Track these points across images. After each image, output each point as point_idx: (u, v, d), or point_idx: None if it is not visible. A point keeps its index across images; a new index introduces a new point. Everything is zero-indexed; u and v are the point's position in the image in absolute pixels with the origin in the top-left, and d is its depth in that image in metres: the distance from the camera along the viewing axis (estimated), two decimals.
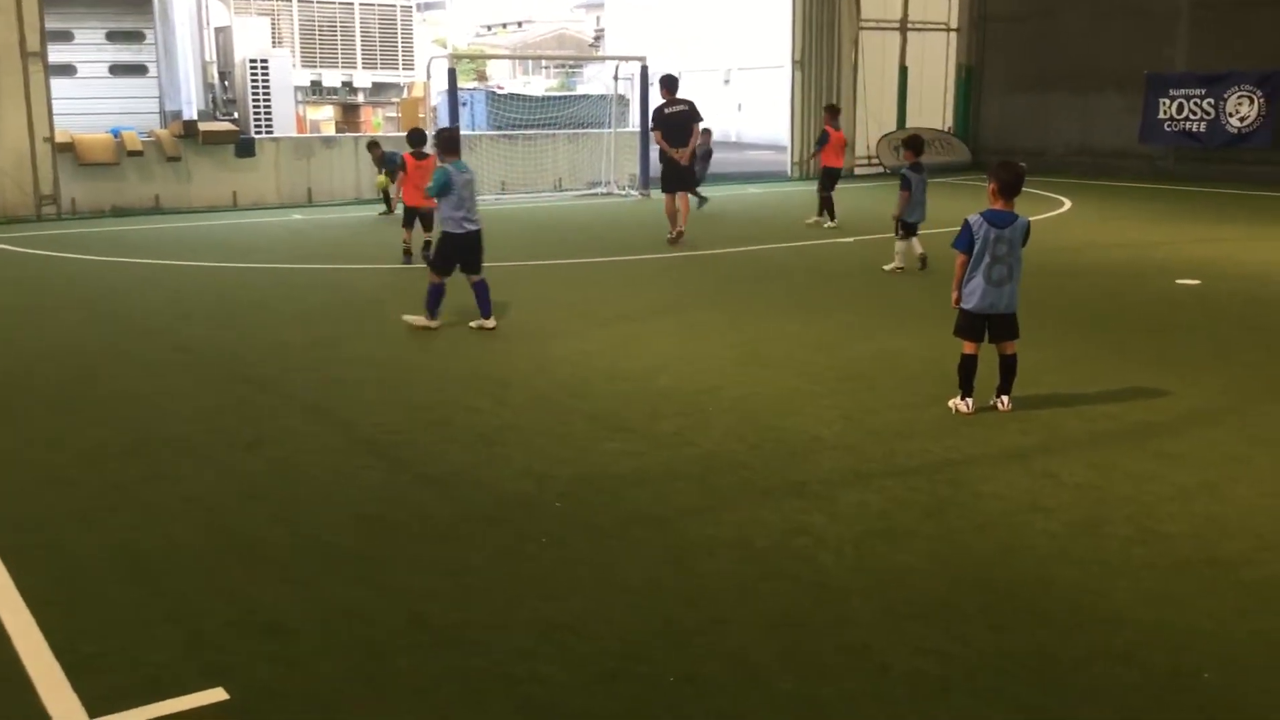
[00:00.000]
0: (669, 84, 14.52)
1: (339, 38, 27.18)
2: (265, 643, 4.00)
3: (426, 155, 12.57)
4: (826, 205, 15.89)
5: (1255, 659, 3.86)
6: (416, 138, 13.02)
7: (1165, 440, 6.23)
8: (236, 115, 21.39)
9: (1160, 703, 3.62)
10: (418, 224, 12.71)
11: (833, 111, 16.92)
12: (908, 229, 11.77)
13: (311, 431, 6.55)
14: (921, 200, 11.72)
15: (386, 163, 16.82)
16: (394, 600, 4.33)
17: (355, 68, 27.46)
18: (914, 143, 12.11)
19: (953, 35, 27.18)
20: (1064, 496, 5.37)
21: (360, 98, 26.95)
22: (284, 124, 21.52)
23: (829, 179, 15.98)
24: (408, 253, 12.84)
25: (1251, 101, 21.95)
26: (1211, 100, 22.54)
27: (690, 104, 14.53)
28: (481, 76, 42.10)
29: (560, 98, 27.76)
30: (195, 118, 19.64)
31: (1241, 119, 22.15)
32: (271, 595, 4.37)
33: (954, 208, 15.11)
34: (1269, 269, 11.37)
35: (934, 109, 27.08)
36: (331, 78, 27.13)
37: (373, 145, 18.10)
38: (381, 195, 17.88)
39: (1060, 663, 3.85)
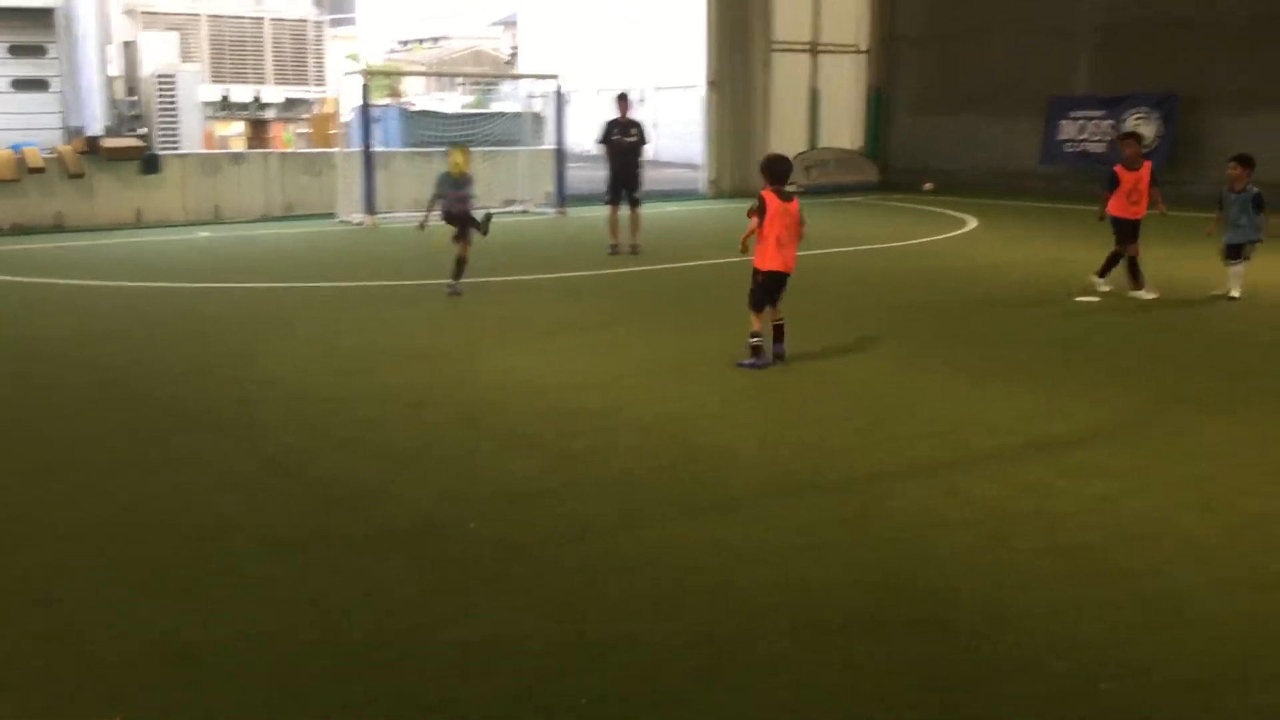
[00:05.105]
0: (623, 100, 15.15)
1: (249, 53, 26.76)
2: (170, 670, 3.90)
3: (790, 196, 8.49)
4: (1130, 267, 11.59)
5: (1156, 669, 3.97)
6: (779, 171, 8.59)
7: (1068, 454, 6.39)
8: (143, 131, 20.93)
9: (1064, 712, 3.70)
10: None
11: (1128, 140, 11.99)
12: (1233, 251, 11.28)
13: (219, 453, 6.41)
14: (1235, 220, 11.18)
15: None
16: (305, 623, 4.25)
17: (266, 83, 27.06)
18: (1247, 161, 11.26)
19: (862, 57, 27.71)
20: (973, 511, 5.48)
21: (271, 113, 26.55)
22: (191, 140, 21.08)
23: (1121, 232, 11.56)
24: (758, 350, 8.45)
25: (1150, 122, 22.71)
26: (1111, 121, 23.28)
27: (641, 129, 15.23)
28: (395, 93, 41.76)
29: (475, 115, 27.66)
30: (99, 134, 19.17)
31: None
32: (177, 622, 4.26)
33: (867, 225, 15.39)
34: (1164, 286, 11.73)
35: (845, 129, 27.56)
36: (241, 93, 26.70)
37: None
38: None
39: (970, 673, 3.92)
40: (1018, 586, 4.62)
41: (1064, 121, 24.08)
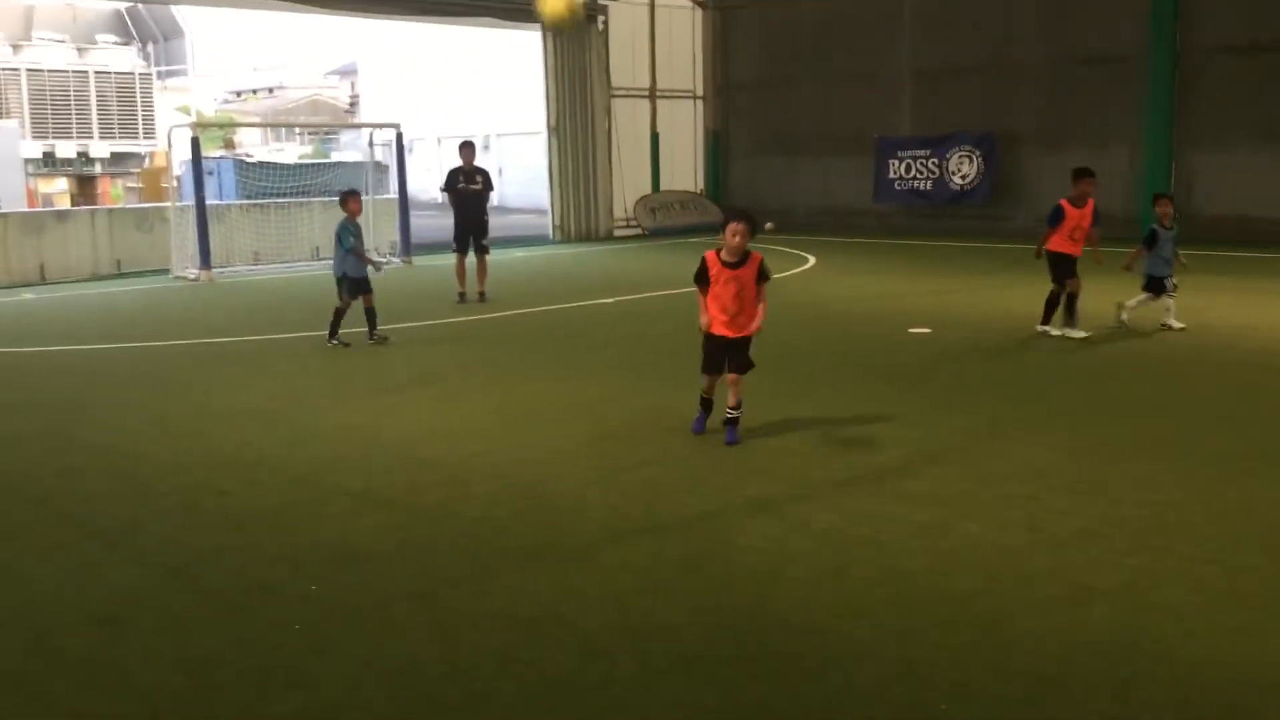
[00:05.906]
0: (467, 149, 15.07)
1: (73, 107, 25.82)
2: None
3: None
4: (1067, 304, 11.32)
5: (989, 689, 4.10)
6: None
7: (903, 482, 6.59)
8: None
9: None
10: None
11: (1086, 177, 11.29)
12: (1161, 284, 11.50)
13: (39, 526, 6.11)
14: (1169, 256, 11.47)
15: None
16: (131, 703, 4.06)
17: (92, 138, 26.16)
18: (1173, 199, 11.92)
19: (699, 103, 28.35)
20: (812, 543, 5.60)
21: (98, 168, 25.65)
22: (13, 198, 20.20)
23: (1059, 268, 11.30)
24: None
25: (971, 160, 23.83)
26: (936, 160, 24.35)
27: (486, 177, 15.20)
28: (230, 144, 40.79)
29: (314, 165, 27.21)
30: None
31: (963, 177, 23.99)
32: None
33: None
34: (990, 317, 12.30)
35: (686, 172, 28.13)
36: (66, 148, 25.74)
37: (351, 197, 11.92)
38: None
39: (814, 706, 3.99)
40: (856, 615, 4.73)
41: (892, 161, 25.07)
